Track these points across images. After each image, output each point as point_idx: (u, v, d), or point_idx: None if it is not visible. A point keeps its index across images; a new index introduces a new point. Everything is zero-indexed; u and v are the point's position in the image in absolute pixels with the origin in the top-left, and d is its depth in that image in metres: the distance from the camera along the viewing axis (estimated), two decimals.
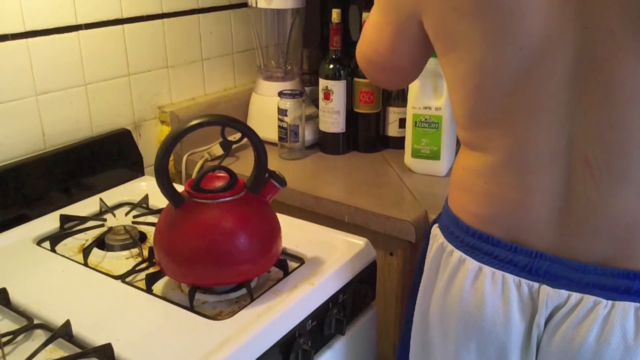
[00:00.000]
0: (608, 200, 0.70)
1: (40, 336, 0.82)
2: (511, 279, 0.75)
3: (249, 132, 0.89)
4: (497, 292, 0.76)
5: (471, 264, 0.78)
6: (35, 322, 0.84)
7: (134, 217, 1.16)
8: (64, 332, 0.81)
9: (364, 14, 1.41)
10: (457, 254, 0.79)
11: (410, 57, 0.87)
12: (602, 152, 0.68)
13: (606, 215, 0.70)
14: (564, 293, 0.72)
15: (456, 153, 1.36)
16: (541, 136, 0.71)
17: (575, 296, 0.72)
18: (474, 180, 0.79)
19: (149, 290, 0.92)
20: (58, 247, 1.06)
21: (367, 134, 1.49)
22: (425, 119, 1.32)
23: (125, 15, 1.32)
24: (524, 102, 0.71)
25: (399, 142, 1.44)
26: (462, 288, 0.78)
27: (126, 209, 1.20)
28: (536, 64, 0.69)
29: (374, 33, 0.88)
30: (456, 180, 0.83)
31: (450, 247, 0.81)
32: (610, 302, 0.70)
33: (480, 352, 0.79)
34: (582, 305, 0.71)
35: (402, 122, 1.45)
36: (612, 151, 0.68)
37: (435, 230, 0.86)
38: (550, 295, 0.73)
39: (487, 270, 0.76)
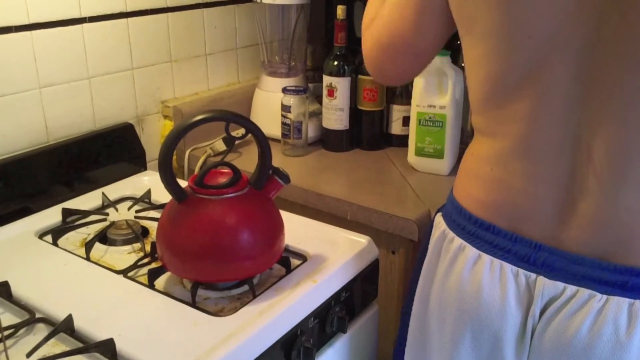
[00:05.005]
0: (609, 196, 0.70)
1: (42, 330, 0.82)
2: (509, 268, 0.76)
3: (254, 129, 0.89)
4: (494, 280, 0.76)
5: (470, 251, 0.79)
6: (37, 316, 0.84)
7: (137, 211, 1.16)
8: (66, 327, 0.80)
9: None
10: (458, 241, 0.80)
11: (433, 36, 0.84)
12: (605, 149, 0.69)
13: (606, 210, 0.70)
14: (560, 285, 0.73)
15: (460, 152, 1.36)
16: (548, 126, 0.72)
17: (570, 288, 0.72)
18: (481, 166, 0.80)
19: (151, 285, 0.92)
20: (60, 241, 1.05)
21: (370, 132, 1.49)
22: (430, 118, 1.31)
23: (130, 8, 1.32)
24: (533, 91, 0.71)
25: (403, 140, 1.43)
26: (461, 275, 0.79)
27: (128, 203, 1.20)
28: (546, 56, 0.69)
29: (394, 13, 0.85)
30: (464, 167, 0.84)
31: (451, 234, 0.82)
32: (605, 296, 0.70)
33: (475, 340, 0.80)
34: (577, 297, 0.72)
35: (405, 120, 1.45)
36: (613, 149, 0.68)
37: (439, 218, 0.87)
38: (546, 286, 0.73)
39: (486, 258, 0.77)
